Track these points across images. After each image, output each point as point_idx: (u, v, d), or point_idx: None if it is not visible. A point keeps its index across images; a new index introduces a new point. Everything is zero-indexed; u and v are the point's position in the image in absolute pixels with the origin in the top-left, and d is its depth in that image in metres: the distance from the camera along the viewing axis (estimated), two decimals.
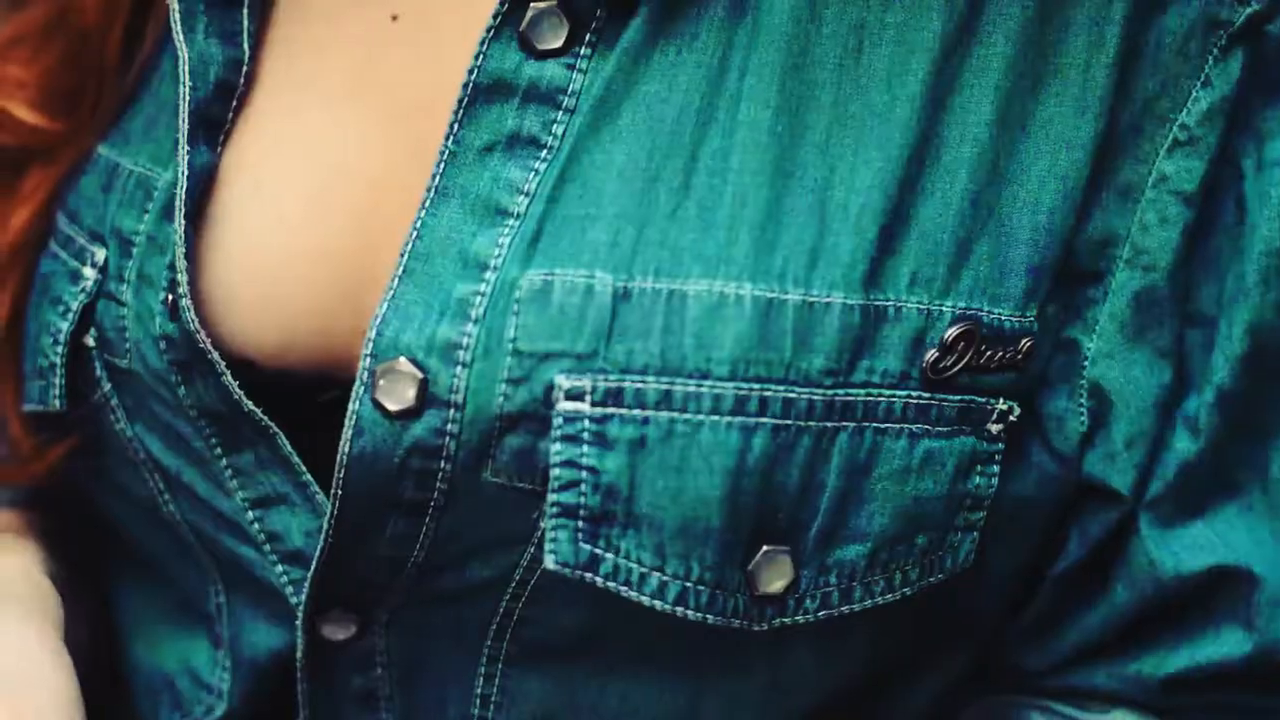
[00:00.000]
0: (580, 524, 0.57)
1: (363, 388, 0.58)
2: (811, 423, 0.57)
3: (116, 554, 0.74)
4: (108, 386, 0.65)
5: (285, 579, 0.64)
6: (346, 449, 0.58)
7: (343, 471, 0.59)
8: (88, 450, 0.68)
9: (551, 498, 0.57)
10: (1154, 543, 0.62)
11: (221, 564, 0.66)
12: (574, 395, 0.57)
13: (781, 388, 0.57)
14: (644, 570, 0.57)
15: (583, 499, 0.57)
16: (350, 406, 0.58)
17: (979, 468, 0.60)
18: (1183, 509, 0.62)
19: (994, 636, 0.67)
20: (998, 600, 0.66)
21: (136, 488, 0.67)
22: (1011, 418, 0.60)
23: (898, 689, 0.67)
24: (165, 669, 0.71)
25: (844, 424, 0.57)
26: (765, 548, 0.58)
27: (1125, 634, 0.64)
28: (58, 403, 0.66)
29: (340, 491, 0.59)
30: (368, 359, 0.58)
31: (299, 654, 0.63)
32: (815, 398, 0.57)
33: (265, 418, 0.61)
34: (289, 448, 0.62)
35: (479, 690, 0.64)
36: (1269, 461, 0.62)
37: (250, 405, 0.61)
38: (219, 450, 0.63)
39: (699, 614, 0.58)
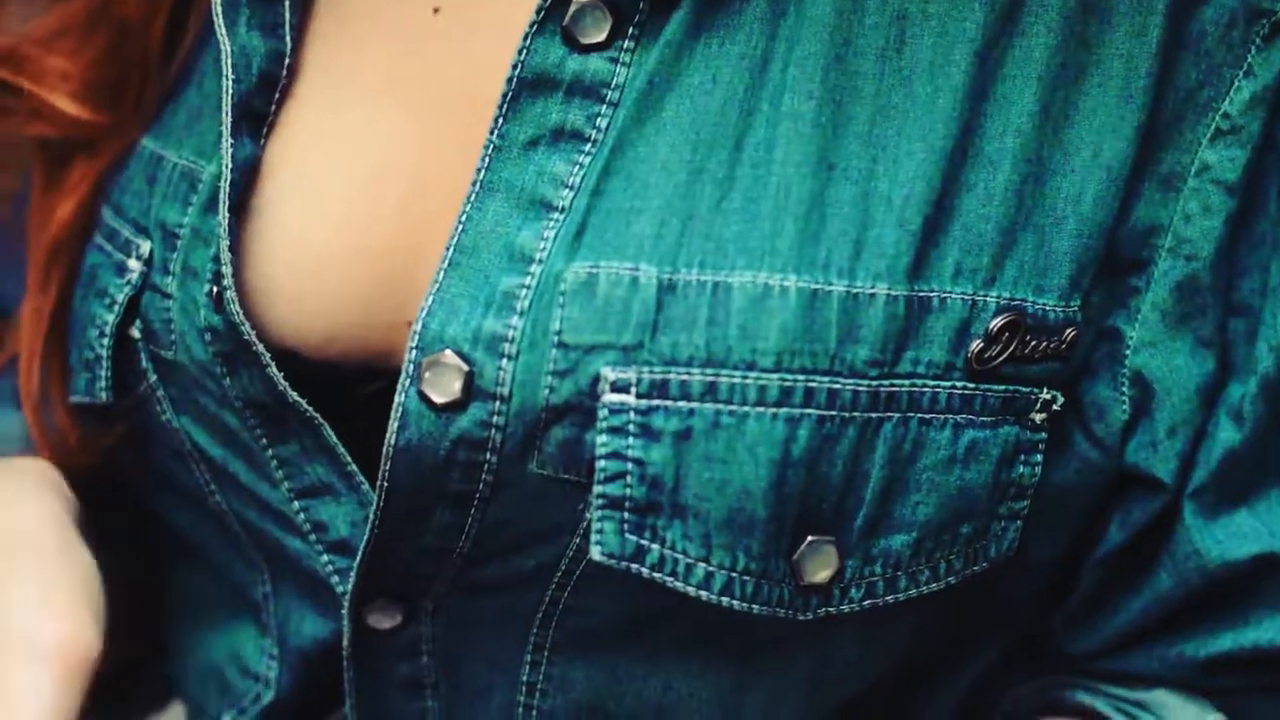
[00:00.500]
0: (626, 515, 0.57)
1: (408, 380, 0.58)
2: (856, 413, 0.57)
3: (164, 546, 0.74)
4: (153, 378, 0.66)
5: (331, 568, 0.64)
6: (392, 441, 0.59)
7: (389, 463, 0.59)
8: (134, 441, 0.68)
9: (597, 489, 0.57)
10: (1198, 531, 0.62)
11: (268, 554, 0.67)
12: (619, 387, 0.57)
13: (826, 379, 0.57)
14: (690, 561, 0.58)
15: (628, 490, 0.57)
16: (396, 399, 0.59)
17: (1022, 457, 0.60)
18: (1226, 498, 0.62)
19: (1035, 623, 0.68)
20: (1038, 588, 0.66)
21: (183, 478, 0.67)
22: (1055, 407, 0.60)
23: (939, 675, 0.67)
24: (213, 658, 0.71)
25: (889, 414, 0.58)
26: (810, 538, 0.58)
27: (1169, 619, 0.65)
28: (104, 395, 0.66)
29: (386, 483, 0.59)
30: (413, 351, 0.58)
31: (345, 643, 0.64)
32: (860, 388, 0.57)
33: (310, 409, 0.62)
34: (334, 438, 0.62)
35: (524, 678, 0.64)
36: None
37: (295, 396, 0.62)
38: (264, 441, 0.63)
39: (744, 604, 0.58)
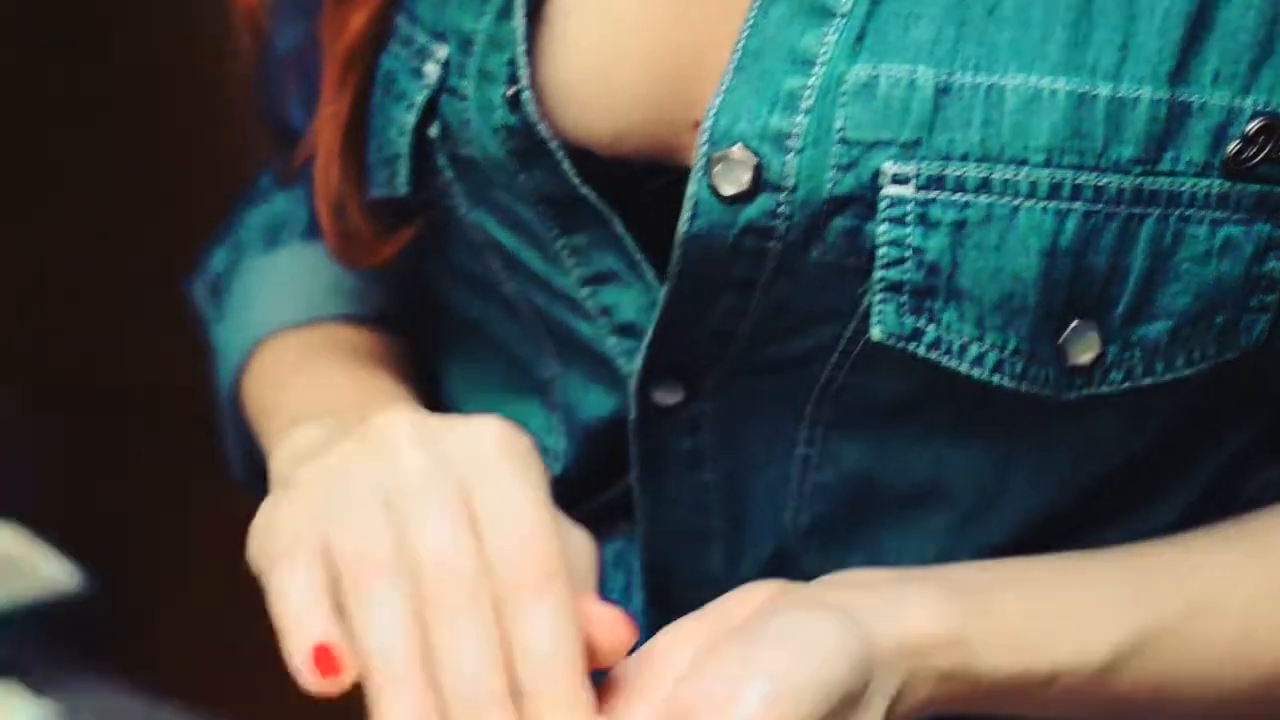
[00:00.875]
0: (904, 299, 0.62)
1: (700, 173, 0.63)
2: (1120, 208, 0.62)
3: (444, 334, 0.80)
4: (450, 175, 0.71)
5: (618, 349, 0.70)
6: (684, 230, 0.64)
7: (680, 250, 0.64)
8: (430, 234, 0.74)
9: (878, 274, 0.62)
10: None
11: (557, 337, 0.72)
12: (899, 180, 0.62)
13: (1093, 175, 0.61)
14: (963, 342, 0.63)
15: (907, 275, 0.62)
16: (688, 190, 0.64)
17: (1274, 253, 0.64)
18: None
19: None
20: None
21: (476, 269, 0.73)
22: None
23: (1188, 458, 0.72)
24: None
25: (1150, 210, 0.62)
26: (1075, 323, 0.63)
27: None
28: (404, 188, 0.72)
29: (677, 269, 0.64)
30: (704, 146, 0.63)
31: (631, 419, 0.69)
32: (1124, 185, 0.61)
33: (600, 202, 0.67)
34: (622, 229, 0.67)
35: (798, 451, 0.70)
36: None
37: (586, 191, 0.67)
38: (556, 232, 0.69)
39: (1014, 383, 0.63)
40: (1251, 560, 0.69)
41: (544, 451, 0.74)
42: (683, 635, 0.62)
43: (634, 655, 0.61)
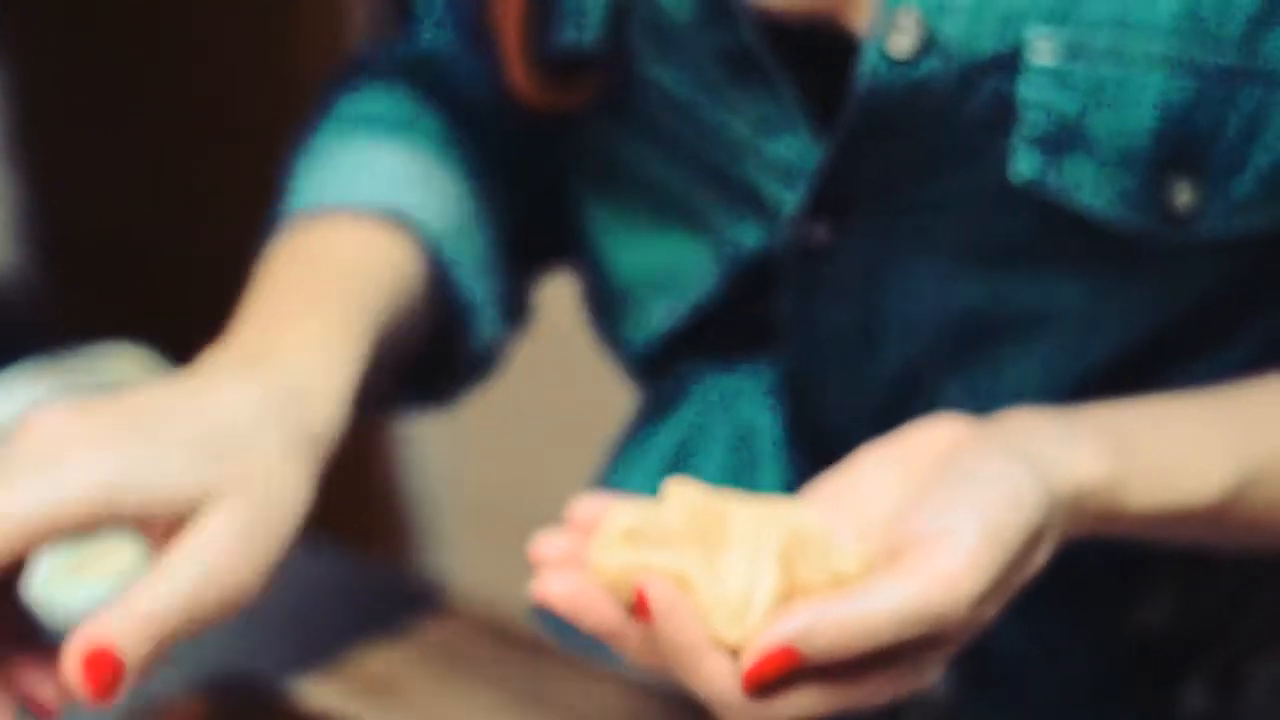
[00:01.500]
0: (1040, 148, 0.74)
1: (872, 36, 0.74)
2: (1224, 80, 0.73)
3: (591, 182, 0.90)
4: (635, 31, 0.81)
5: (776, 191, 0.80)
6: (857, 86, 0.75)
7: (851, 104, 0.75)
8: (609, 86, 0.84)
9: (1020, 127, 0.73)
10: None
11: (718, 180, 0.83)
12: (1044, 46, 0.73)
13: (1203, 50, 0.73)
14: (1085, 185, 0.74)
15: (1044, 128, 0.73)
16: (863, 51, 0.74)
17: None
18: None
19: None
20: None
21: (644, 118, 0.83)
22: None
23: (1257, 307, 0.83)
24: (643, 262, 0.88)
25: (1249, 83, 0.73)
26: (1178, 176, 0.74)
27: None
28: (590, 38, 0.81)
29: (847, 121, 0.75)
30: (879, 12, 0.74)
31: (786, 251, 0.80)
32: (1231, 60, 0.73)
33: (774, 61, 0.78)
34: (792, 86, 0.78)
35: (927, 286, 0.80)
36: None
37: (763, 48, 0.78)
38: (732, 87, 0.79)
39: (1122, 224, 0.75)
40: None
41: (692, 278, 0.85)
42: (882, 463, 0.71)
43: (835, 475, 0.71)
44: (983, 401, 0.82)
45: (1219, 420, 0.77)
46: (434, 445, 2.43)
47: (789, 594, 0.64)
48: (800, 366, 0.84)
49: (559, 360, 2.09)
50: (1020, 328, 0.81)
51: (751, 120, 0.80)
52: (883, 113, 0.75)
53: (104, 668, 0.64)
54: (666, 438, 0.89)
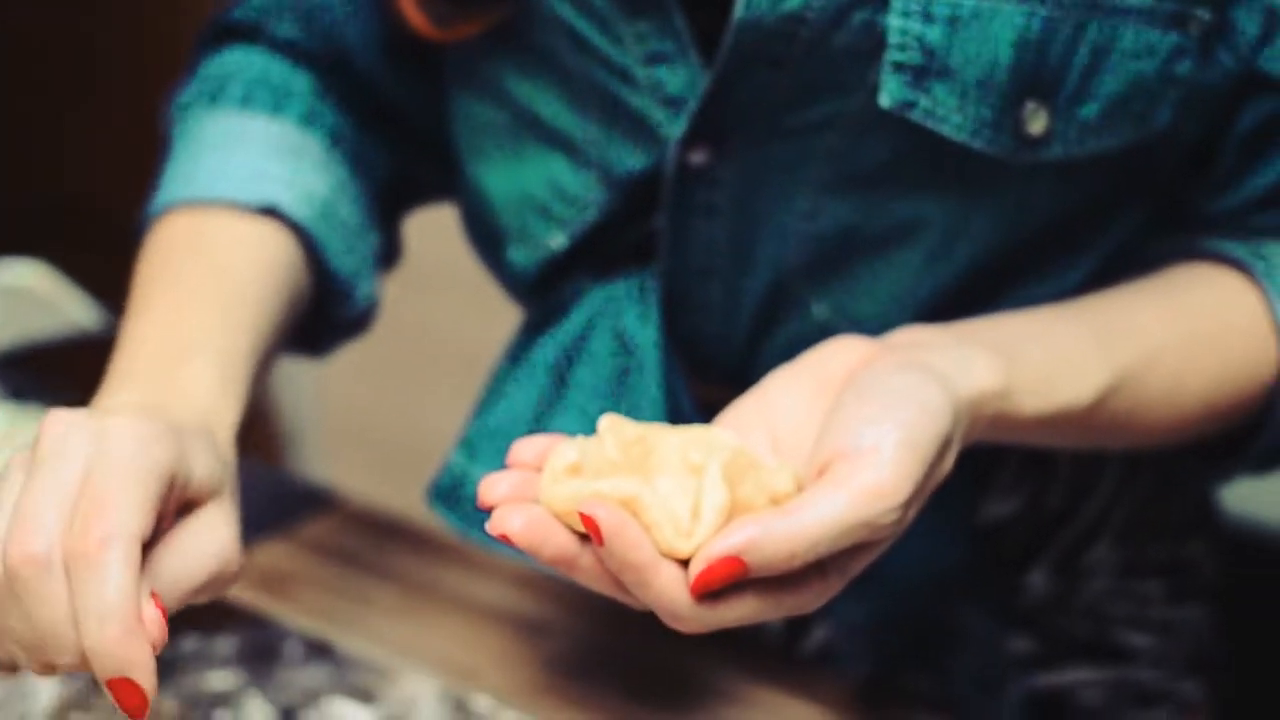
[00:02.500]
0: (907, 75, 0.80)
1: None
2: (1073, 12, 0.79)
3: (475, 120, 0.95)
4: None
5: (662, 118, 0.86)
6: (737, 17, 0.80)
7: (731, 34, 0.81)
8: (501, 18, 0.89)
9: (888, 55, 0.80)
10: None
11: (606, 106, 0.88)
12: None
13: None
14: (947, 111, 0.80)
15: (910, 58, 0.80)
16: None
17: (1180, 58, 0.82)
18: None
19: (1177, 191, 0.91)
20: (1180, 159, 0.88)
21: (547, 45, 0.88)
22: (1206, 20, 0.83)
23: (1100, 225, 0.90)
24: (529, 189, 0.93)
25: (1095, 15, 0.80)
26: (1032, 102, 0.81)
27: None
28: None
29: (727, 50, 0.81)
30: None
31: (668, 174, 0.86)
32: None
33: None
34: (681, 19, 0.84)
35: (799, 206, 0.86)
36: None
37: None
38: (624, 19, 0.85)
39: (981, 146, 0.81)
40: (1176, 318, 0.86)
41: (577, 203, 0.91)
42: (791, 384, 0.75)
43: (748, 396, 0.76)
44: (848, 314, 0.89)
45: (1091, 331, 0.83)
46: (302, 366, 2.49)
47: (732, 511, 0.69)
48: (678, 281, 0.90)
49: (415, 283, 2.14)
50: (885, 244, 0.87)
51: (642, 51, 0.85)
52: (759, 43, 0.81)
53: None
54: (551, 348, 0.94)
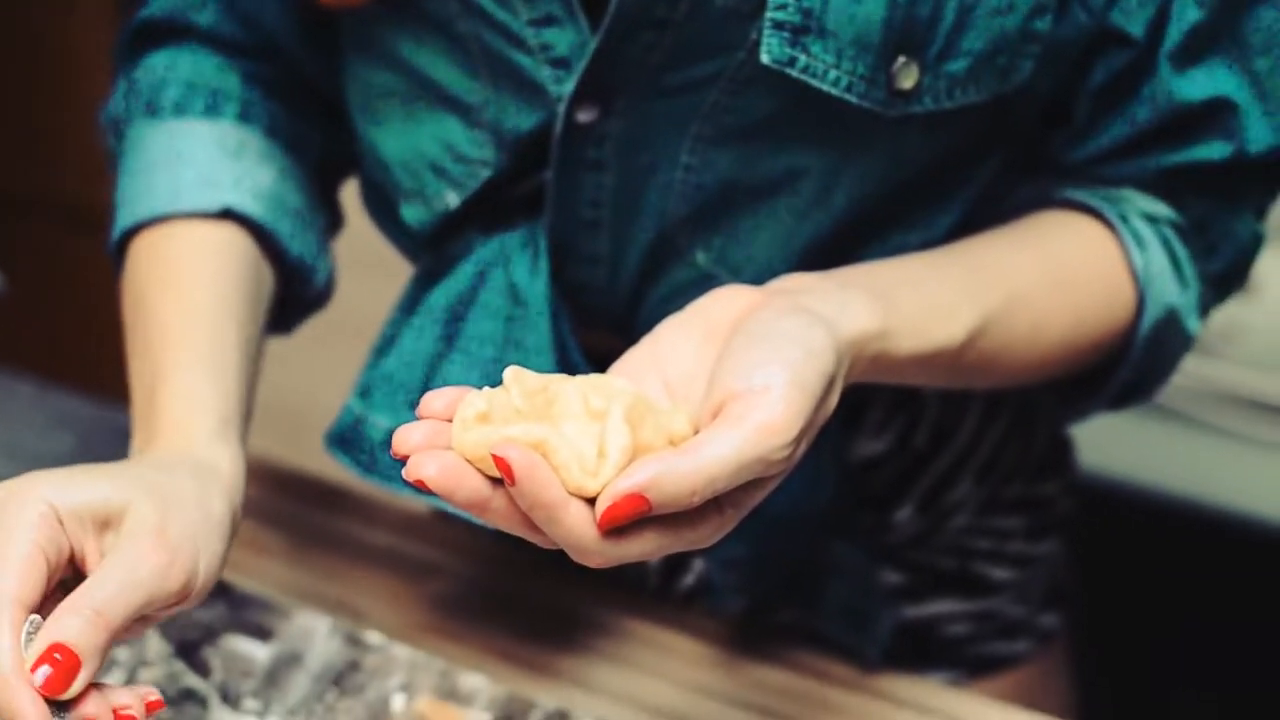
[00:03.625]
0: (786, 34, 0.84)
1: None
2: None
3: (370, 86, 0.97)
4: None
5: (550, 78, 0.89)
6: None
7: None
8: None
9: (768, 15, 0.84)
10: (1169, 80, 0.90)
11: (495, 68, 0.91)
12: None
13: None
14: (825, 68, 0.85)
15: (788, 16, 0.84)
16: None
17: (1039, 14, 0.87)
18: (1190, 59, 0.89)
19: (1034, 142, 0.96)
20: (1037, 112, 0.94)
21: (437, 11, 0.91)
22: None
23: (965, 174, 0.94)
24: (423, 149, 0.96)
25: None
26: (903, 58, 0.85)
27: (1141, 141, 0.92)
28: None
29: (613, 11, 0.85)
30: None
31: (556, 131, 0.90)
32: None
33: None
34: None
35: (682, 160, 0.90)
36: (1246, 28, 0.89)
37: None
38: None
39: (856, 99, 0.85)
40: (1039, 262, 0.91)
41: (470, 162, 0.94)
42: (680, 332, 0.78)
43: (641, 346, 0.79)
44: (730, 262, 0.93)
45: (961, 276, 0.88)
46: None
47: (634, 453, 0.72)
48: (566, 233, 0.94)
49: None
50: (764, 194, 0.91)
51: (531, 14, 0.88)
52: (644, 5, 0.84)
53: (63, 664, 0.72)
54: (443, 296, 0.97)
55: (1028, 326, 0.89)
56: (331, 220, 1.08)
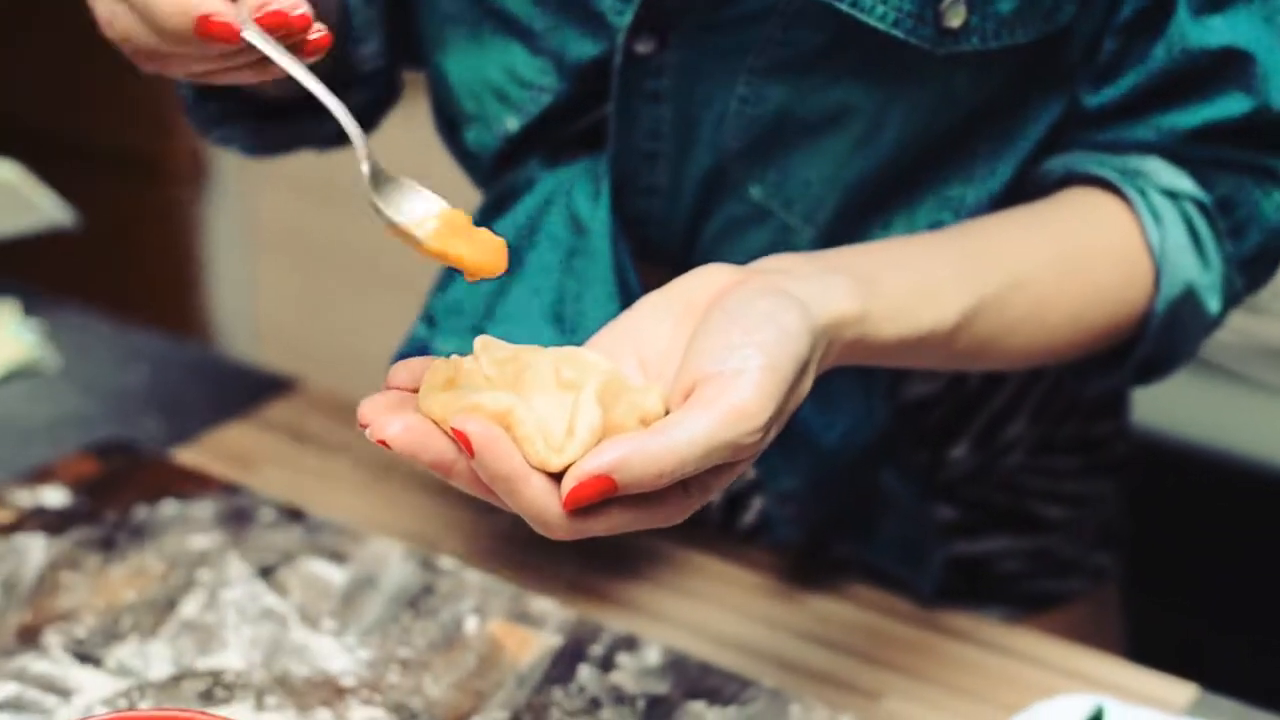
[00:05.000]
0: None
1: None
2: None
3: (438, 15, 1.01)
4: None
5: (610, 8, 0.91)
6: None
7: None
8: None
9: None
10: (1187, 25, 0.91)
11: (563, 2, 0.94)
12: None
13: None
14: (873, 2, 0.87)
15: None
16: None
17: None
18: (1211, 5, 0.91)
19: (1074, 97, 0.97)
20: (1079, 55, 0.95)
21: None
22: None
23: (1018, 119, 0.96)
24: (486, 74, 0.99)
25: None
26: None
27: (1160, 92, 0.94)
28: None
29: None
30: None
31: (616, 61, 0.93)
32: None
33: None
34: None
35: (737, 93, 0.93)
36: None
37: None
38: None
39: (904, 35, 0.88)
40: (1044, 243, 0.92)
41: (533, 88, 0.97)
42: (658, 310, 0.78)
43: (618, 322, 0.79)
44: (782, 196, 0.95)
45: (955, 257, 0.89)
46: (236, 292, 2.56)
47: (604, 432, 0.72)
48: (626, 164, 0.97)
49: (340, 203, 2.21)
50: (816, 129, 0.94)
51: None
52: None
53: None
54: (507, 228, 1.00)
55: (1029, 309, 0.90)
56: (391, 82, 1.06)
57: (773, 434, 0.73)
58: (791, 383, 0.73)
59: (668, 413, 0.73)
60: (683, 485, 0.72)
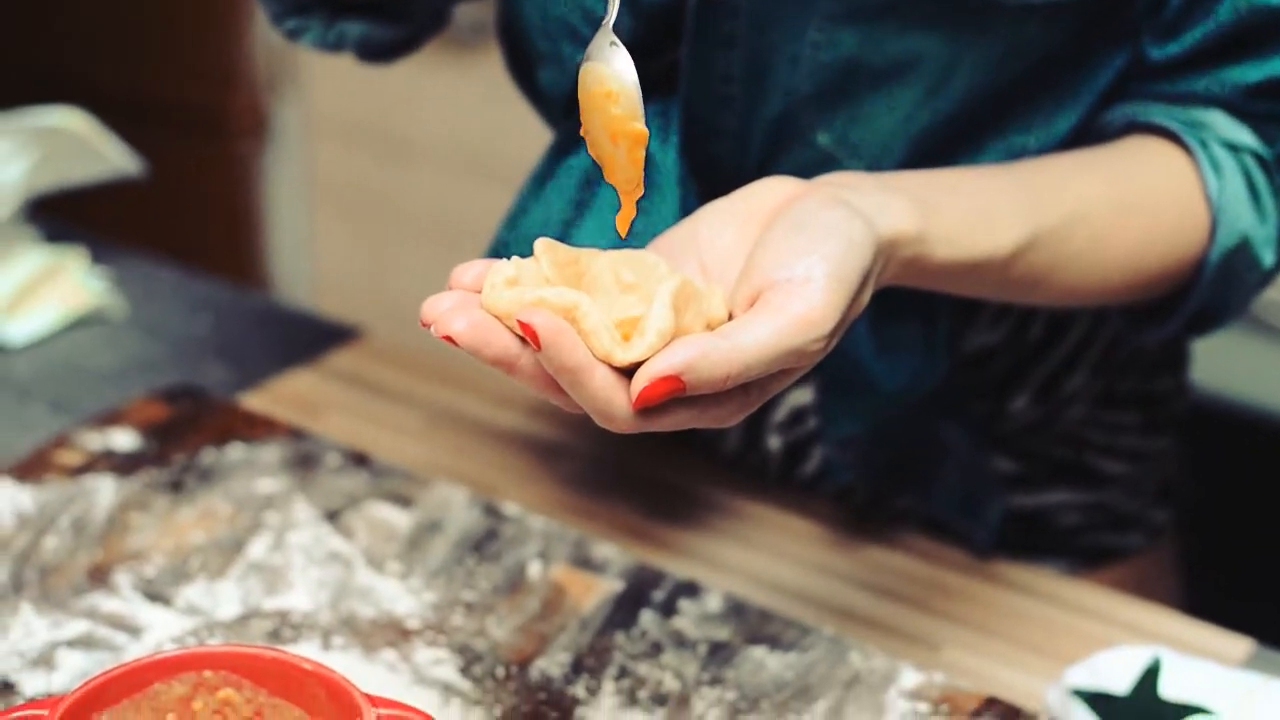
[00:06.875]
0: None
1: None
2: None
3: None
4: None
5: None
6: None
7: None
8: None
9: None
10: None
11: None
12: None
13: None
14: None
15: None
16: None
17: None
18: None
19: (1138, 47, 0.97)
20: (1144, 7, 0.95)
21: None
22: None
23: (1084, 69, 0.97)
24: (559, 13, 1.00)
25: None
26: None
27: (1224, 48, 0.94)
28: None
29: None
30: None
31: (690, 4, 0.92)
32: None
33: None
34: None
35: (809, 38, 0.93)
36: None
37: None
38: None
39: None
40: (1105, 183, 0.93)
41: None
42: (722, 216, 0.80)
43: (681, 227, 0.81)
44: (849, 143, 0.96)
45: (1015, 187, 0.89)
46: (293, 243, 2.58)
47: (674, 335, 0.73)
48: (697, 108, 0.97)
49: (396, 159, 2.23)
50: (885, 77, 0.94)
51: None
52: None
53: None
54: (577, 165, 1.00)
55: (1086, 246, 0.90)
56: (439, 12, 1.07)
57: (834, 343, 0.75)
58: (855, 293, 0.75)
59: (730, 317, 0.74)
60: (743, 387, 0.73)
